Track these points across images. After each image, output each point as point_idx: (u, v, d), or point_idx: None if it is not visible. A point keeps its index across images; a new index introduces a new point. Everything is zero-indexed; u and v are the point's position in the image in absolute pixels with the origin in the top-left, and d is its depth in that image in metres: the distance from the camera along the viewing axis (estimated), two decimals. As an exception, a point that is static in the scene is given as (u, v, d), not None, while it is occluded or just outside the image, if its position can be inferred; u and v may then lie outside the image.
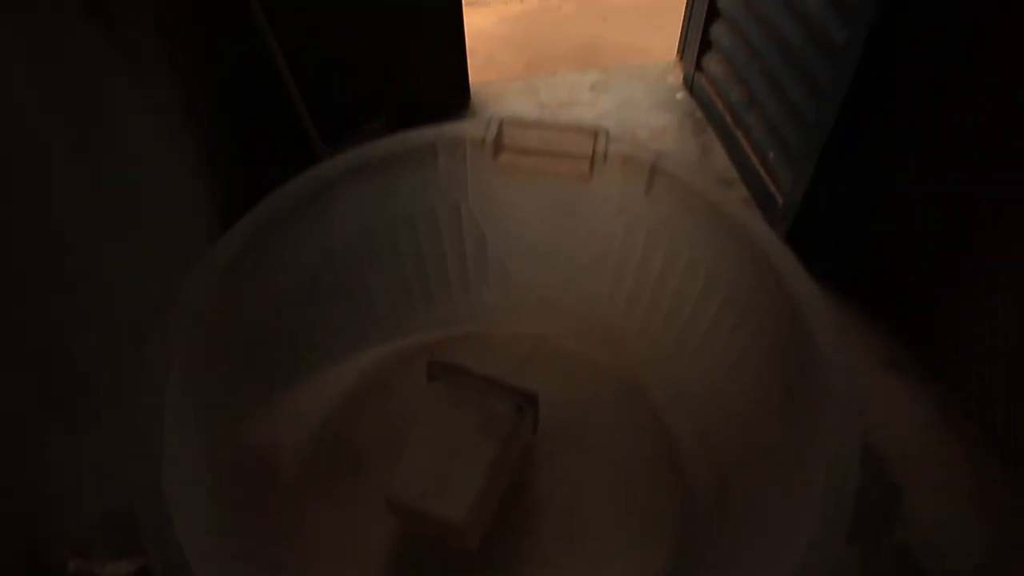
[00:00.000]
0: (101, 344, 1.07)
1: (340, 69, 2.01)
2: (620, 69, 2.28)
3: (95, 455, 1.01)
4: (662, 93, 2.20)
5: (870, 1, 1.38)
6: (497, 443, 0.92)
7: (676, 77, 2.25)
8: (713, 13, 2.01)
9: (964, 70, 1.44)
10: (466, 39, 2.07)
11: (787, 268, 0.84)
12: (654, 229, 1.00)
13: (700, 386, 1.03)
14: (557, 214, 1.04)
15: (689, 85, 2.19)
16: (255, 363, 0.95)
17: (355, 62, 2.00)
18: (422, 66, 2.07)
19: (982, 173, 1.50)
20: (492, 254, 1.10)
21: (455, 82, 2.14)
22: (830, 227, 1.79)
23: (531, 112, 2.14)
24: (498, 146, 1.00)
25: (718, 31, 2.01)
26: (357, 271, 1.04)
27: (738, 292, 0.93)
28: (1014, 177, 1.44)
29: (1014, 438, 1.44)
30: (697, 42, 2.09)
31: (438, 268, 1.11)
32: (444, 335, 1.17)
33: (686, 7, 2.16)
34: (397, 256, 1.07)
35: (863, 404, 1.52)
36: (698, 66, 2.13)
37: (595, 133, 0.97)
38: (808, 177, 1.68)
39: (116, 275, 1.18)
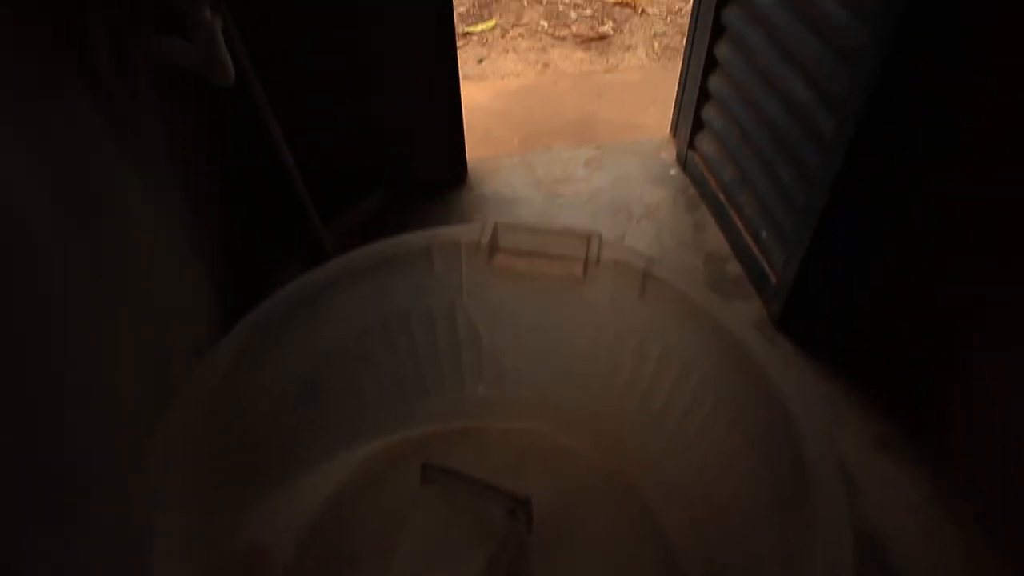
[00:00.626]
0: (97, 427, 1.07)
1: (339, 145, 2.05)
2: (614, 145, 2.33)
3: (85, 556, 1.00)
4: (656, 169, 2.25)
5: (858, 95, 1.42)
6: (490, 548, 0.91)
7: (669, 153, 2.30)
8: (704, 95, 2.06)
9: (948, 159, 1.48)
10: (463, 114, 2.12)
11: (778, 375, 0.85)
12: (647, 333, 1.02)
13: (692, 485, 1.03)
14: (551, 314, 1.06)
15: (682, 162, 2.24)
16: (249, 465, 0.95)
17: (354, 138, 2.05)
18: (420, 143, 2.12)
19: (971, 259, 1.52)
20: (487, 350, 1.11)
21: (452, 159, 2.18)
22: (823, 307, 1.81)
23: (527, 187, 2.18)
24: (493, 249, 1.02)
25: (709, 112, 2.06)
26: (353, 370, 1.05)
27: (729, 395, 0.94)
28: (1002, 261, 1.46)
29: (1007, 518, 1.44)
30: (689, 121, 2.14)
31: (434, 365, 1.12)
32: (439, 429, 1.17)
33: (678, 88, 2.22)
34: (393, 354, 1.08)
35: (857, 486, 1.52)
36: (691, 144, 2.17)
37: (588, 238, 0.99)
38: (800, 258, 1.70)
39: (112, 353, 1.19)
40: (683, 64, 2.15)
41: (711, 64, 1.99)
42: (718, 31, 1.92)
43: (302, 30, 1.80)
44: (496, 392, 1.15)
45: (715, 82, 2.00)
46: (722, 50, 1.93)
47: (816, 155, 1.60)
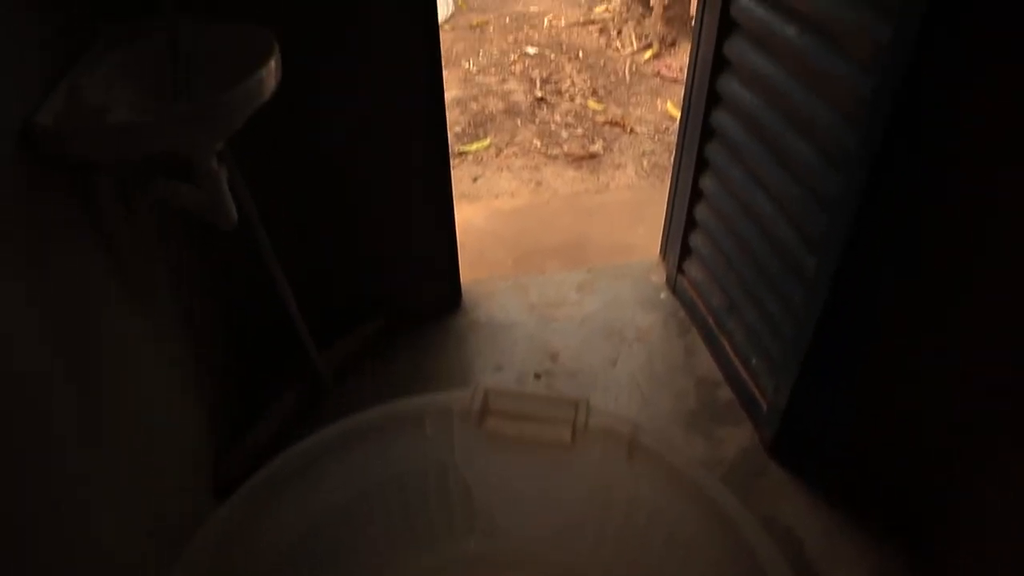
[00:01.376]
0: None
1: (336, 273, 2.10)
2: (605, 268, 2.39)
3: None
4: (646, 292, 2.30)
5: (836, 236, 1.48)
6: None
7: (659, 276, 2.35)
8: (691, 223, 2.13)
9: (928, 293, 1.53)
10: (457, 234, 2.17)
11: (762, 545, 0.86)
12: (634, 497, 1.03)
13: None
14: (541, 476, 1.07)
15: (672, 285, 2.29)
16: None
17: (351, 267, 2.10)
18: (415, 270, 2.17)
19: (958, 391, 1.55)
20: (479, 507, 1.12)
21: (447, 284, 2.23)
22: (815, 435, 1.81)
23: (521, 312, 2.22)
24: (483, 413, 1.04)
25: (696, 239, 2.13)
26: (348, 531, 1.05)
27: (715, 565, 0.94)
28: (988, 397, 1.49)
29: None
30: (677, 247, 2.21)
31: (427, 522, 1.12)
32: (433, 582, 1.16)
33: (666, 214, 2.30)
34: (388, 514, 1.09)
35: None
36: (680, 269, 2.23)
37: (576, 404, 1.01)
38: (789, 386, 1.72)
39: (108, 507, 1.19)
40: (669, 194, 2.23)
41: (696, 195, 2.07)
42: (702, 165, 2.01)
43: (300, 166, 1.87)
44: (487, 548, 1.15)
45: (700, 212, 2.07)
46: (706, 183, 2.01)
47: (800, 290, 1.64)
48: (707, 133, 1.94)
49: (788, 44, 1.54)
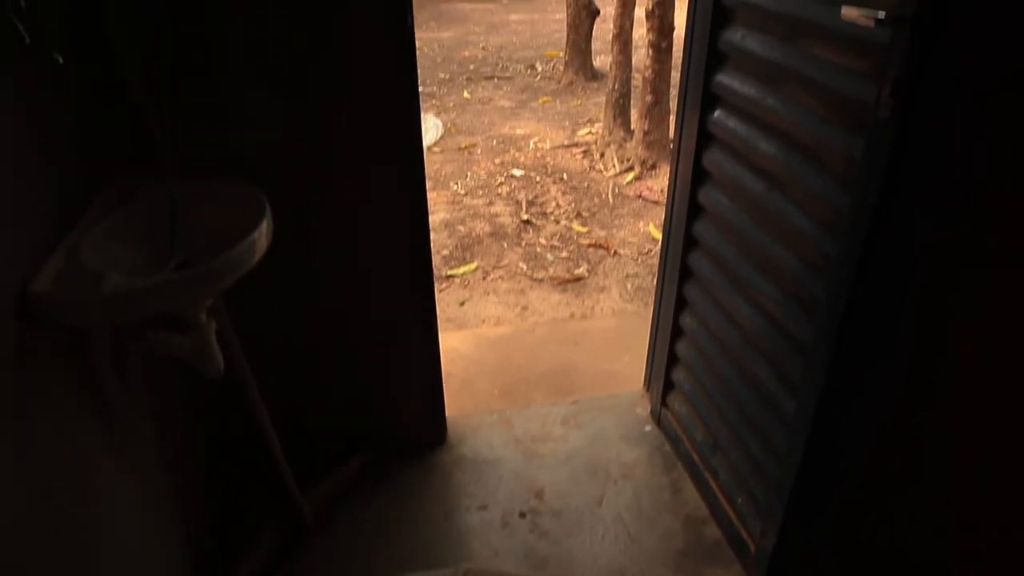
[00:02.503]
0: None
1: (318, 407, 2.10)
2: (590, 400, 2.40)
3: None
4: (631, 425, 2.30)
5: (816, 377, 1.51)
6: None
7: (644, 408, 2.36)
8: (673, 358, 2.16)
9: (901, 439, 1.55)
10: (444, 363, 2.18)
11: None
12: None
13: None
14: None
15: (657, 418, 2.30)
16: None
17: (333, 401, 2.10)
18: (400, 406, 2.17)
19: (937, 531, 1.55)
20: None
21: (432, 420, 2.23)
22: (804, 581, 1.79)
23: (506, 447, 2.22)
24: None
25: (679, 375, 2.16)
26: None
27: None
28: (967, 534, 1.49)
29: None
30: (661, 381, 2.23)
31: None
32: None
33: (648, 346, 2.34)
34: None
35: None
36: (664, 402, 2.24)
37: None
38: (776, 530, 1.71)
39: None
40: (651, 328, 2.28)
41: (677, 331, 2.11)
42: (681, 303, 2.06)
43: (282, 299, 1.90)
44: None
45: (681, 348, 2.11)
46: (686, 320, 2.06)
47: (781, 431, 1.66)
48: (685, 274, 2.01)
49: (765, 180, 1.62)
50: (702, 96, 1.79)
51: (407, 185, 1.81)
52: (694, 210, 1.91)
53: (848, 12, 1.18)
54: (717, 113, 1.77)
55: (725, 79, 1.71)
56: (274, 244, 1.40)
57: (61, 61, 1.16)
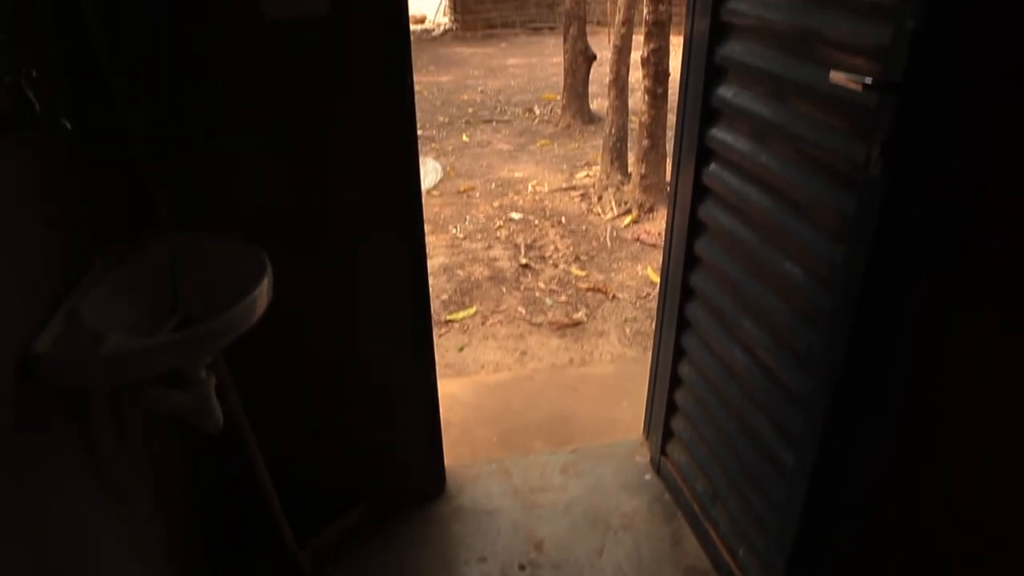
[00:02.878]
0: None
1: (315, 458, 2.08)
2: (590, 449, 2.39)
3: None
4: (631, 474, 2.29)
5: (812, 430, 1.51)
6: None
7: (644, 456, 2.36)
8: (672, 407, 2.17)
9: (899, 491, 1.55)
10: (442, 410, 2.18)
11: None
12: None
13: None
14: None
15: (656, 467, 2.29)
16: None
17: (331, 452, 2.09)
18: (399, 457, 2.17)
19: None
20: None
21: (431, 469, 2.22)
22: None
23: (505, 497, 2.20)
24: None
25: (678, 424, 2.15)
26: None
27: None
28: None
29: None
30: (660, 429, 2.23)
31: None
32: None
33: (647, 394, 2.34)
34: None
35: None
36: (663, 451, 2.24)
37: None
38: (779, 584, 1.70)
39: None
40: (650, 377, 2.29)
41: (675, 380, 2.12)
42: (679, 353, 2.07)
43: (279, 349, 1.91)
44: None
45: (680, 396, 2.12)
46: (684, 369, 2.07)
47: (780, 484, 1.65)
48: (682, 324, 2.02)
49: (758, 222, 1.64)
50: (697, 150, 1.82)
51: (406, 238, 1.84)
52: (690, 260, 1.93)
53: (836, 76, 1.21)
54: (712, 166, 1.80)
55: (719, 134, 1.74)
56: (273, 297, 1.42)
57: (69, 127, 1.19)
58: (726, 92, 1.69)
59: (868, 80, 1.14)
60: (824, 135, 1.37)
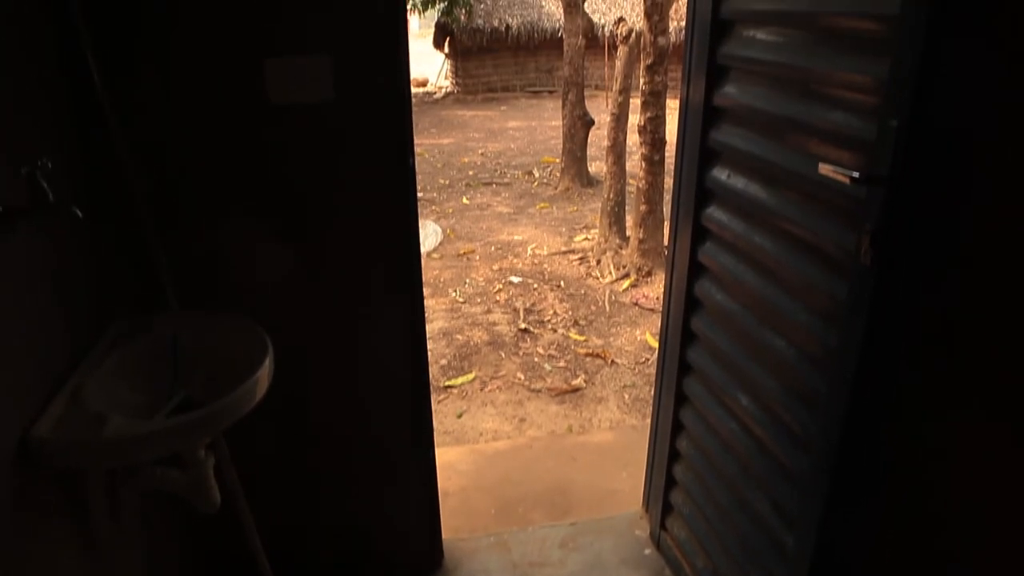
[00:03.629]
0: None
1: (311, 531, 2.06)
2: (589, 522, 2.37)
3: None
4: (631, 548, 2.27)
5: (811, 513, 1.51)
6: None
7: (643, 530, 2.33)
8: (671, 481, 2.16)
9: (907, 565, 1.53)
10: (440, 481, 2.16)
11: None
12: None
13: None
14: None
15: (656, 541, 2.27)
16: None
17: (329, 526, 2.07)
18: (396, 530, 2.14)
19: None
20: None
21: (428, 543, 2.20)
22: None
23: (503, 572, 2.17)
24: None
25: (677, 498, 2.14)
26: None
27: None
28: None
29: None
30: (660, 503, 2.21)
31: None
32: None
33: (647, 467, 2.33)
34: None
35: None
36: (663, 525, 2.22)
37: None
38: (782, 670, 1.67)
39: None
40: (648, 451, 2.28)
41: (674, 455, 2.11)
42: (678, 427, 2.07)
43: (280, 428, 1.91)
44: None
45: (679, 471, 2.11)
46: (683, 443, 2.07)
47: (782, 567, 1.64)
48: (680, 398, 2.03)
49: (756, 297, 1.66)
50: (692, 228, 1.86)
51: (406, 311, 1.86)
52: (687, 336, 1.95)
53: (825, 168, 1.25)
54: (707, 244, 1.83)
55: (713, 213, 1.78)
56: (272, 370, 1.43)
57: (80, 216, 1.22)
58: (719, 174, 1.74)
59: (855, 174, 1.18)
60: (815, 221, 1.41)
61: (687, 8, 1.81)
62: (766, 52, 1.54)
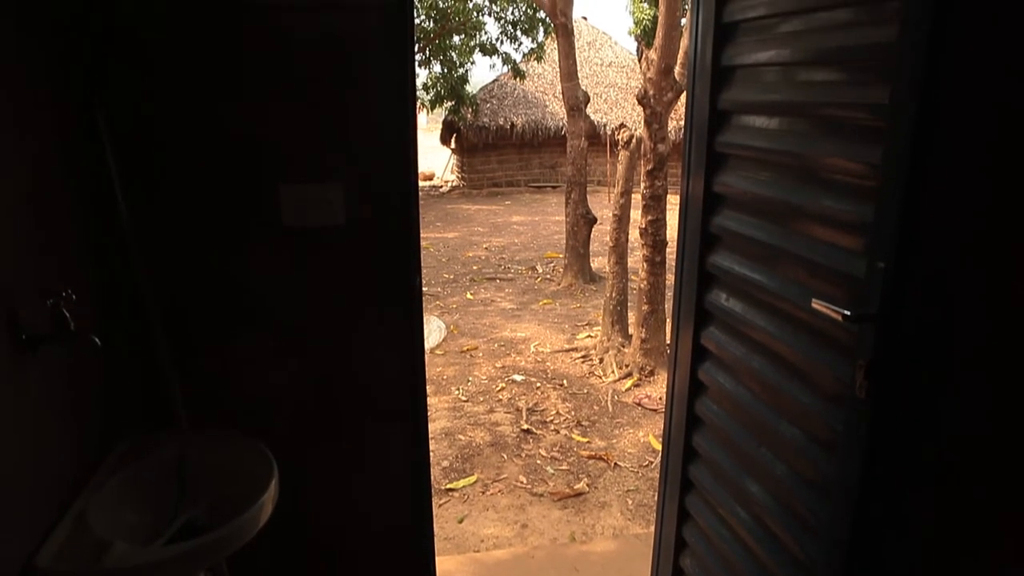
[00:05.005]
0: None
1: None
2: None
3: None
4: (635, 670, 2.20)
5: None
6: None
7: (648, 651, 2.27)
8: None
9: None
10: None
11: None
12: None
13: None
14: None
15: (661, 663, 2.21)
16: None
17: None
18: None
19: None
20: None
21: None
22: None
23: None
24: None
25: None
26: None
27: None
28: None
29: None
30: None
31: None
32: None
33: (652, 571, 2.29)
34: None
35: None
36: (667, 646, 2.17)
37: None
38: None
39: None
40: (652, 569, 2.25)
41: (680, 545, 2.08)
42: (680, 544, 2.05)
43: (277, 543, 1.90)
44: None
45: (686, 562, 2.07)
46: (686, 561, 2.04)
47: None
48: (683, 516, 2.01)
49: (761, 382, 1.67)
50: (695, 313, 1.89)
51: (411, 429, 1.88)
52: (689, 454, 1.96)
53: (817, 305, 1.29)
54: (706, 364, 1.87)
55: (713, 334, 1.82)
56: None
57: (99, 343, 1.27)
58: (716, 298, 1.79)
59: (847, 312, 1.22)
60: (811, 351, 1.44)
61: (686, 103, 1.89)
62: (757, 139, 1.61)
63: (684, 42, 4.57)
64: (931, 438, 1.30)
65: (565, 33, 7.07)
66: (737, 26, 1.67)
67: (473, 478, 3.68)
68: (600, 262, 7.52)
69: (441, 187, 15.04)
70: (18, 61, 1.24)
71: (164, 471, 1.49)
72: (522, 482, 3.65)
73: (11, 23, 1.22)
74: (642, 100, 4.71)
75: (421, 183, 14.21)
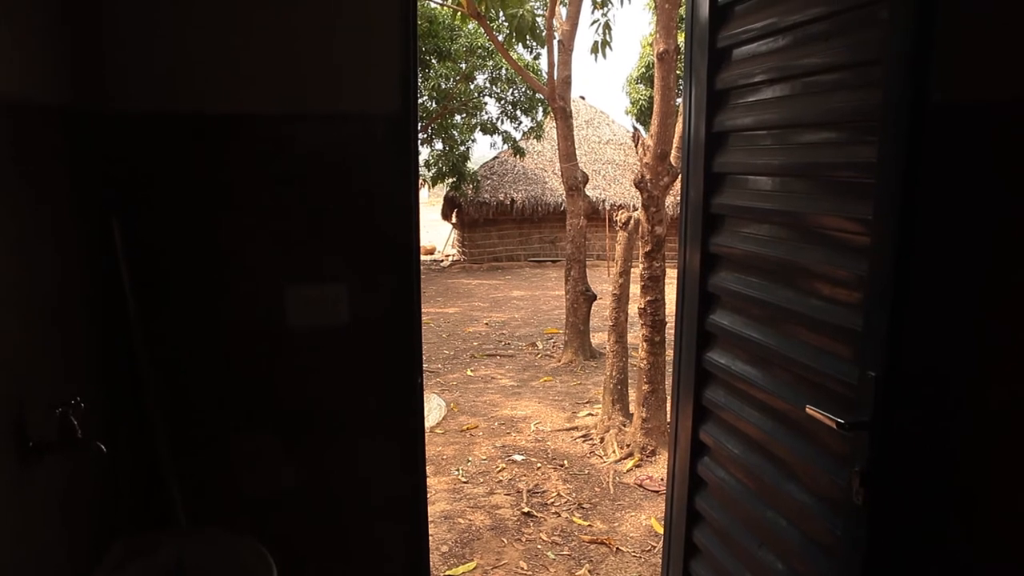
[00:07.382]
0: None
1: None
2: None
3: None
4: None
5: None
6: None
7: None
8: None
9: None
10: None
11: None
12: None
13: None
14: None
15: None
16: None
17: None
18: None
19: None
20: None
21: None
22: None
23: None
24: None
25: None
26: None
27: None
28: None
29: None
30: None
31: None
32: None
33: None
34: None
35: None
36: None
37: None
38: None
39: None
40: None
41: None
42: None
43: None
44: None
45: None
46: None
47: None
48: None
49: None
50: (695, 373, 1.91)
51: (410, 530, 1.87)
52: (690, 550, 1.95)
53: (812, 411, 1.32)
54: (706, 458, 1.87)
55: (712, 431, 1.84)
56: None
57: (104, 450, 1.28)
58: (715, 394, 1.81)
59: (841, 420, 1.25)
60: (810, 456, 1.46)
61: (680, 199, 1.95)
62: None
63: (679, 128, 4.72)
64: (933, 545, 1.31)
65: (563, 116, 7.27)
66: (728, 93, 1.74)
67: (472, 564, 3.61)
68: (600, 337, 7.54)
69: (442, 261, 15.19)
70: (55, 189, 1.30)
71: (162, 574, 1.48)
72: (523, 568, 3.59)
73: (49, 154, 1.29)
74: (639, 184, 4.82)
75: (422, 257, 14.35)
